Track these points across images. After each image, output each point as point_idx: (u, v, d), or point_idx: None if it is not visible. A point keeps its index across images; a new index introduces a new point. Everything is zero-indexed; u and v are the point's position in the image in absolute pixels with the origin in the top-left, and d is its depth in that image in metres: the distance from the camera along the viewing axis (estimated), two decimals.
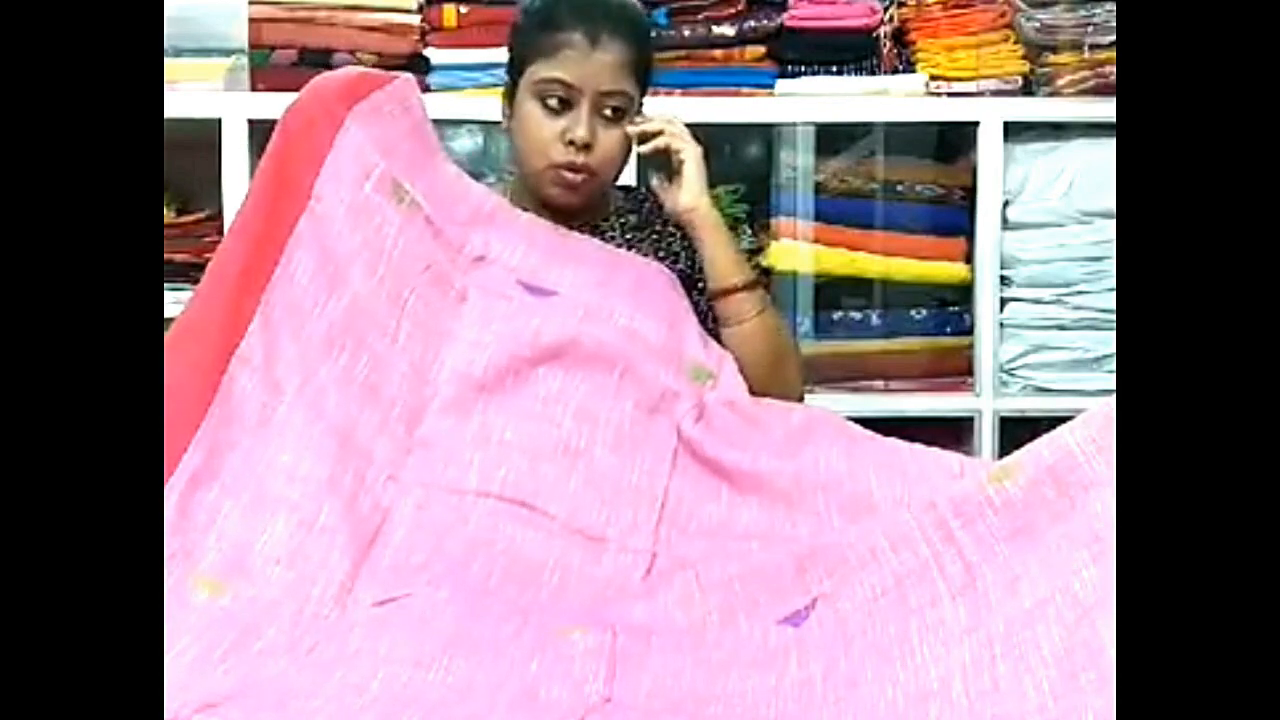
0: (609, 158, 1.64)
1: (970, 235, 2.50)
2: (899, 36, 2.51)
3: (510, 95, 1.69)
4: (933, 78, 2.47)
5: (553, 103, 1.61)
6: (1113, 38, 2.42)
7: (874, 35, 2.49)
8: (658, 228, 1.76)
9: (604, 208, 1.76)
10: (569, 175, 1.63)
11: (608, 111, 1.62)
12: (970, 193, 2.50)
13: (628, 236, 1.74)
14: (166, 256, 2.35)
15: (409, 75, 1.60)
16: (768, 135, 2.63)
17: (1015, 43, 2.48)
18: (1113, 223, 2.40)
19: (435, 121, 2.49)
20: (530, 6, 1.68)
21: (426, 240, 1.50)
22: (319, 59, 2.41)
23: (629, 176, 2.32)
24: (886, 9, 2.50)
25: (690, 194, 1.65)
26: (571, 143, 1.61)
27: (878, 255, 2.54)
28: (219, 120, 2.35)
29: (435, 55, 2.43)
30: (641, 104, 1.68)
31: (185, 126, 2.14)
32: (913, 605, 1.18)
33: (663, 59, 2.45)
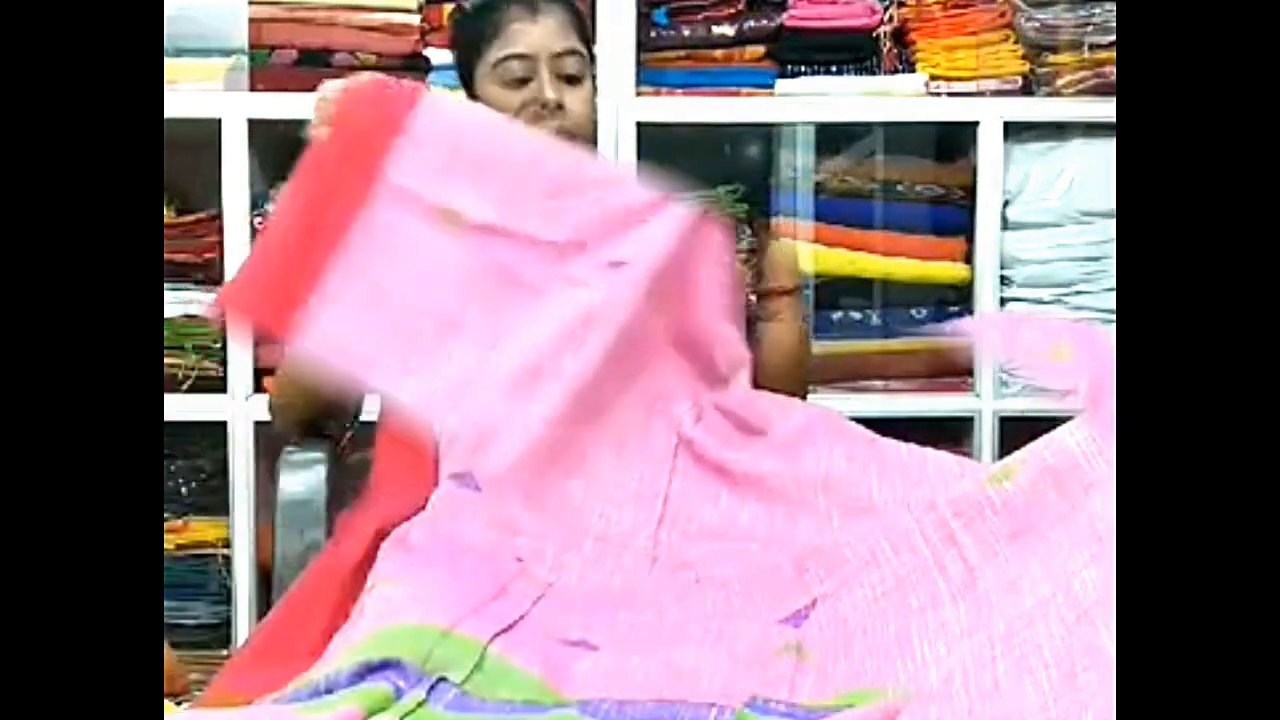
0: (581, 118, 1.65)
1: (970, 235, 2.50)
2: (899, 36, 2.51)
3: (472, 99, 1.70)
4: (933, 78, 2.47)
5: (512, 79, 1.63)
6: (1113, 38, 2.42)
7: (874, 35, 2.49)
8: None
9: None
10: None
11: (567, 72, 1.64)
12: (970, 193, 2.50)
13: None
14: (166, 256, 2.35)
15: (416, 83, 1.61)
16: (768, 135, 2.63)
17: (1015, 43, 2.48)
18: (1113, 223, 2.39)
19: None
20: (466, 7, 1.72)
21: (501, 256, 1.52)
22: (319, 59, 2.41)
23: None
24: (886, 9, 2.50)
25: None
26: (543, 106, 1.62)
27: (878, 255, 2.53)
28: (219, 120, 2.35)
29: (435, 55, 2.42)
30: (594, 61, 1.70)
31: (185, 126, 2.14)
32: (913, 606, 1.18)
33: (663, 59, 2.46)
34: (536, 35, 1.63)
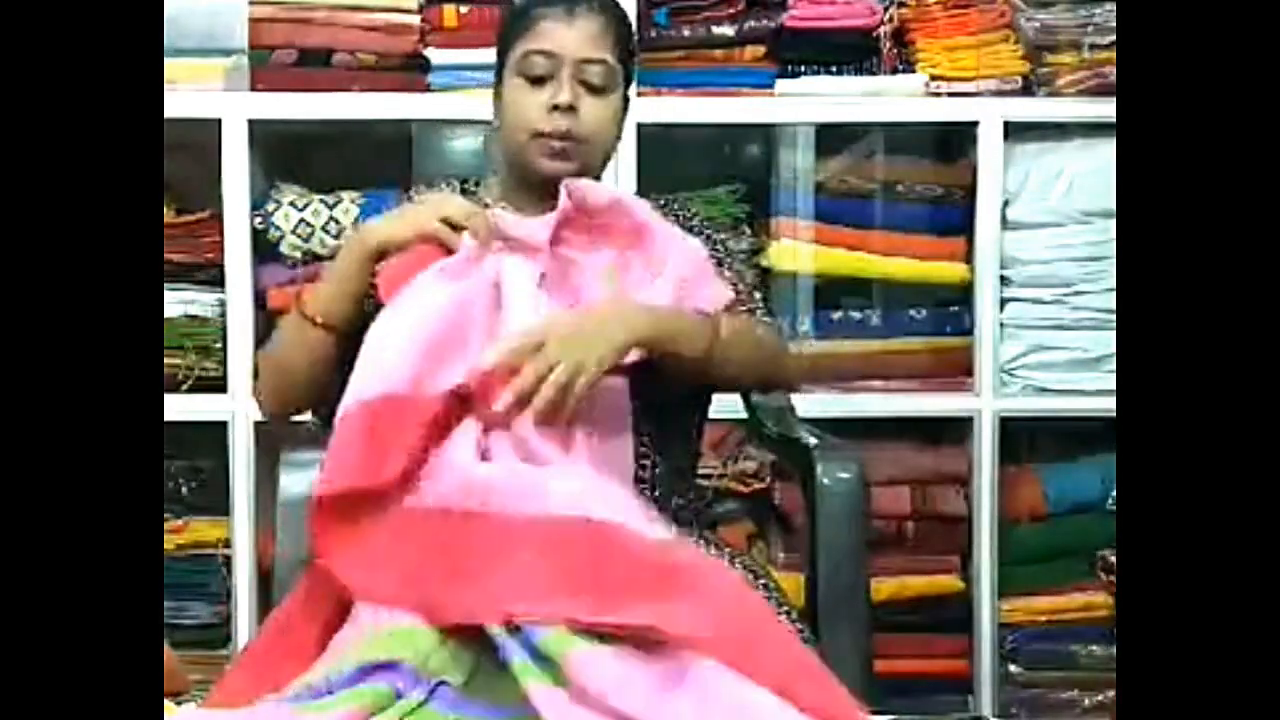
0: (596, 126, 1.62)
1: (970, 235, 2.50)
2: (899, 36, 2.50)
3: (498, 91, 1.69)
4: (933, 78, 2.47)
5: (535, 74, 1.61)
6: (1113, 38, 2.42)
7: (874, 35, 2.49)
8: None
9: None
10: (555, 143, 1.61)
11: (590, 80, 1.61)
12: (970, 193, 2.50)
13: None
14: (166, 256, 2.35)
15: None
16: (767, 135, 2.62)
17: (1015, 43, 2.48)
18: (1113, 223, 2.40)
19: (435, 121, 2.51)
20: (516, 3, 1.71)
21: None
22: (319, 59, 2.41)
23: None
24: (886, 9, 2.49)
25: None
26: (556, 107, 1.59)
27: (878, 255, 2.54)
28: (219, 120, 2.35)
29: (435, 55, 2.42)
30: (629, 83, 1.68)
31: (185, 126, 2.14)
32: None
33: (663, 59, 2.45)
34: (566, 37, 1.60)
